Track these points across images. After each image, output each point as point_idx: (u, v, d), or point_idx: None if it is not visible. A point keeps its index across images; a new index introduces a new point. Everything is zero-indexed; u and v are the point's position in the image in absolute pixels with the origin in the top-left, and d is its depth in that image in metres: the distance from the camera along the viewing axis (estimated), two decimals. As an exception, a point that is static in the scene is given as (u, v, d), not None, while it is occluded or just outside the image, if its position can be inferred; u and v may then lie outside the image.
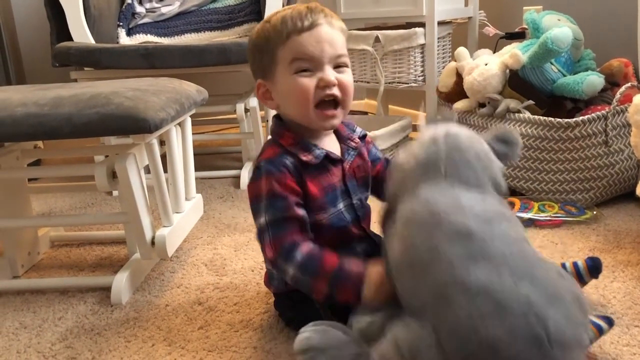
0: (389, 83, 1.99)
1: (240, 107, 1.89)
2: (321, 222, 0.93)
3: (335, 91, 0.91)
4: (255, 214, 0.92)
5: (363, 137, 1.04)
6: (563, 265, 1.01)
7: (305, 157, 0.92)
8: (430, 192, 0.77)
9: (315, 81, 0.90)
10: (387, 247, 0.80)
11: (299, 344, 0.78)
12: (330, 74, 0.90)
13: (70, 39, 1.89)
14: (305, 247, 0.87)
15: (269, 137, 0.99)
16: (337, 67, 0.92)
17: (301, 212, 0.90)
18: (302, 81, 0.90)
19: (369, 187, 1.02)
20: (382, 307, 0.81)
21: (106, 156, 1.56)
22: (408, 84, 1.97)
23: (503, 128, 0.89)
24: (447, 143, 0.81)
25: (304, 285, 0.88)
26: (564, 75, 1.57)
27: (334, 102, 0.92)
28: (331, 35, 0.91)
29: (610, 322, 0.86)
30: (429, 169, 0.80)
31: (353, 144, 1.00)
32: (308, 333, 0.79)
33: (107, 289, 1.17)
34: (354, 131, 1.02)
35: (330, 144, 0.97)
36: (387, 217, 0.84)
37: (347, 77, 0.93)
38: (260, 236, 0.91)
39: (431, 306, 0.70)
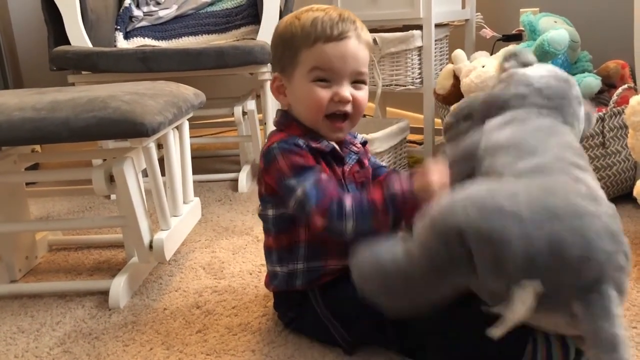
0: (387, 85, 1.99)
1: (238, 110, 1.89)
2: None
3: (348, 108, 0.92)
4: (287, 191, 0.88)
5: (364, 144, 1.04)
6: None
7: (315, 145, 0.92)
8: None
9: (330, 94, 0.90)
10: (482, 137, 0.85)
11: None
12: (346, 90, 0.90)
13: (67, 42, 1.89)
14: (348, 198, 0.86)
15: (274, 128, 0.99)
16: (355, 82, 0.92)
17: (329, 174, 0.91)
18: (318, 91, 0.90)
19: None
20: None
21: (104, 160, 1.56)
22: (405, 86, 1.97)
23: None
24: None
25: (367, 229, 0.84)
26: (561, 77, 1.58)
27: (344, 115, 0.93)
28: (356, 50, 0.90)
29: None
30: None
31: (355, 148, 1.00)
32: (356, 263, 0.81)
33: (105, 293, 1.17)
34: (356, 137, 1.03)
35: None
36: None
37: (362, 94, 0.93)
38: (302, 210, 0.87)
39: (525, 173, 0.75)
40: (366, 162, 1.03)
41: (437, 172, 0.86)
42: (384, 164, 1.08)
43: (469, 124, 0.94)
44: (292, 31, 0.92)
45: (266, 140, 0.97)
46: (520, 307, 0.68)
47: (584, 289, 0.67)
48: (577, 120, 0.91)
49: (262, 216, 1.00)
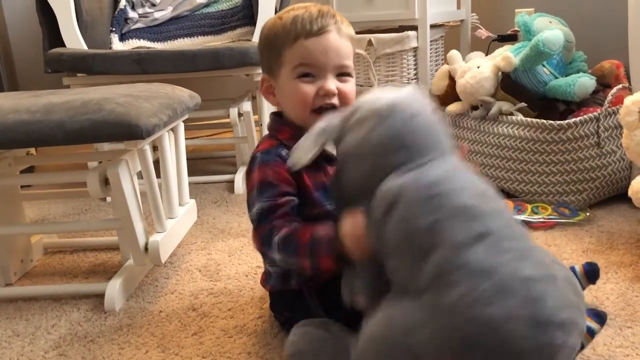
0: (382, 86, 2.00)
1: (233, 111, 1.89)
2: (313, 218, 0.93)
3: (335, 100, 0.92)
4: (249, 204, 0.92)
5: None
6: None
7: None
8: (418, 171, 0.75)
9: (315, 88, 0.91)
10: (383, 233, 0.75)
11: (287, 348, 0.85)
12: (331, 83, 0.91)
13: (62, 44, 1.89)
14: (283, 230, 0.87)
15: (266, 132, 0.99)
16: (341, 75, 0.93)
17: (289, 198, 0.90)
18: (303, 87, 0.91)
19: None
20: (365, 265, 0.80)
21: (99, 162, 1.56)
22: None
23: None
24: (401, 111, 0.78)
25: (291, 265, 0.88)
26: (556, 78, 1.58)
27: (332, 109, 0.93)
28: (338, 43, 0.91)
29: (602, 319, 0.86)
30: (398, 149, 0.77)
31: None
32: (293, 337, 0.85)
33: (100, 296, 1.16)
34: None
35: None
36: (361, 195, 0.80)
37: (348, 86, 0.93)
38: (253, 227, 0.91)
39: (430, 286, 0.69)
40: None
41: (350, 223, 0.82)
42: None
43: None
44: (275, 32, 0.93)
45: (257, 144, 0.98)
46: None
47: None
48: None
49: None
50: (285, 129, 0.95)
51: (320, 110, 0.92)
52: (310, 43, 0.90)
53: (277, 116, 0.99)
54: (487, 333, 0.65)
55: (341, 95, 0.92)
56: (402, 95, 0.80)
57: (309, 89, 0.91)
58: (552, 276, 0.69)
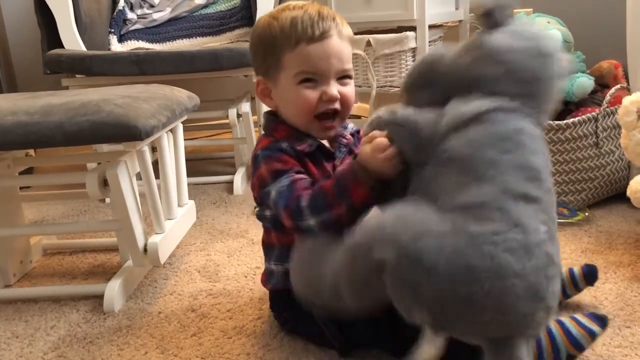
0: (381, 87, 2.00)
1: (232, 112, 1.89)
2: None
3: (337, 105, 0.92)
4: (266, 196, 0.91)
5: (356, 133, 1.04)
6: None
7: (300, 146, 0.93)
8: (517, 116, 0.76)
9: (318, 94, 0.90)
10: (447, 139, 0.77)
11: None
12: (334, 88, 0.90)
13: (61, 46, 1.89)
14: (305, 194, 0.86)
15: (262, 132, 0.99)
16: (341, 77, 0.92)
17: (304, 175, 0.90)
18: (306, 93, 0.90)
19: None
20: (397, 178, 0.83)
21: (98, 163, 1.56)
22: (399, 87, 1.97)
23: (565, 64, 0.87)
24: (559, 62, 0.80)
25: (328, 222, 0.85)
26: (555, 78, 1.58)
27: (334, 113, 0.93)
28: (340, 48, 0.90)
29: (603, 322, 0.86)
30: (528, 85, 0.78)
31: (344, 140, 1.00)
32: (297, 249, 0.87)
33: (99, 297, 1.16)
34: (346, 128, 1.02)
35: (322, 141, 0.98)
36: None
37: (349, 89, 0.93)
38: (277, 212, 0.89)
39: (466, 208, 0.71)
40: (358, 150, 1.02)
41: (373, 143, 0.82)
42: None
43: (427, 97, 0.84)
44: (272, 33, 0.91)
45: (255, 145, 0.97)
46: (429, 348, 0.73)
47: (494, 340, 0.70)
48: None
49: (260, 216, 1.00)
50: (282, 128, 0.95)
51: (322, 115, 0.92)
52: (312, 49, 0.88)
53: (272, 115, 0.98)
54: (492, 276, 0.67)
55: (343, 99, 0.92)
56: (561, 55, 0.81)
57: (312, 94, 0.90)
58: (559, 266, 0.74)
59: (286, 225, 0.89)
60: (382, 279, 0.72)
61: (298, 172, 0.90)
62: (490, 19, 0.79)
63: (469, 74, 0.79)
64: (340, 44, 0.90)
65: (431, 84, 0.83)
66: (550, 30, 1.50)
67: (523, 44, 0.78)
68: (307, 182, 0.89)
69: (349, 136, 1.01)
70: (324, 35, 0.88)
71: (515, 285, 0.67)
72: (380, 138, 0.82)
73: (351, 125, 1.04)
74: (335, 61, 0.89)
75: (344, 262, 0.76)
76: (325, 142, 0.98)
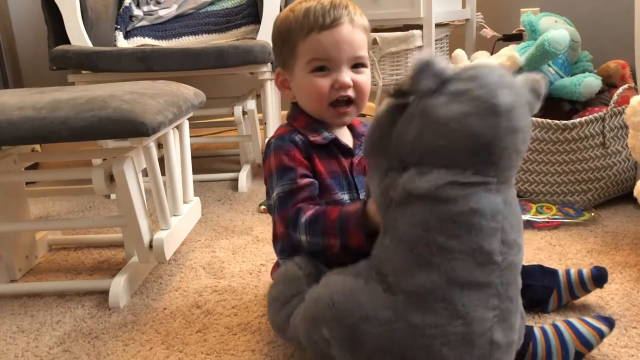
0: (387, 85, 1.99)
1: (238, 109, 1.89)
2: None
3: (350, 92, 0.92)
4: (269, 190, 0.93)
5: None
6: (567, 272, 1.01)
7: (313, 138, 0.93)
8: (474, 190, 0.69)
9: (330, 81, 0.91)
10: (396, 212, 0.73)
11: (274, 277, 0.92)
12: (346, 75, 0.91)
13: (67, 42, 1.89)
14: (309, 211, 0.87)
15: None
16: (355, 66, 0.92)
17: (309, 180, 0.91)
18: (318, 81, 0.91)
19: None
20: None
21: (104, 159, 1.56)
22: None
23: (538, 77, 0.75)
24: (510, 121, 0.69)
25: (318, 246, 0.87)
26: (561, 77, 1.58)
27: (348, 101, 0.93)
28: (351, 35, 0.90)
29: (611, 323, 0.86)
30: (480, 152, 0.69)
31: None
32: (282, 267, 0.91)
33: (105, 293, 1.17)
34: (367, 126, 1.02)
35: (343, 136, 0.98)
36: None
37: (363, 77, 0.93)
38: (274, 211, 0.91)
39: (407, 293, 0.71)
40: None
41: None
42: None
43: (385, 163, 0.77)
44: (288, 25, 0.93)
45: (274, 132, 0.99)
46: None
47: None
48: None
49: (269, 207, 1.00)
50: (301, 117, 0.96)
51: (336, 102, 0.92)
52: (323, 37, 0.89)
53: (295, 105, 0.99)
54: None
55: (356, 87, 0.92)
56: (521, 103, 0.71)
57: (324, 82, 0.91)
58: (511, 347, 0.73)
59: (279, 228, 0.92)
60: (328, 351, 0.76)
61: (303, 176, 0.90)
62: (420, 88, 0.70)
63: (416, 147, 0.72)
64: (352, 32, 0.90)
65: (386, 151, 0.76)
66: (558, 29, 1.49)
67: (474, 105, 0.68)
68: (310, 190, 0.90)
69: None
70: (334, 23, 0.89)
71: None
72: None
73: None
74: (346, 48, 0.90)
75: (301, 327, 0.81)
76: (344, 138, 0.97)
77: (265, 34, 1.91)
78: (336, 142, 0.96)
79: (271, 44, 1.01)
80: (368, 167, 0.82)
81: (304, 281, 0.86)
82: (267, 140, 0.97)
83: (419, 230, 0.70)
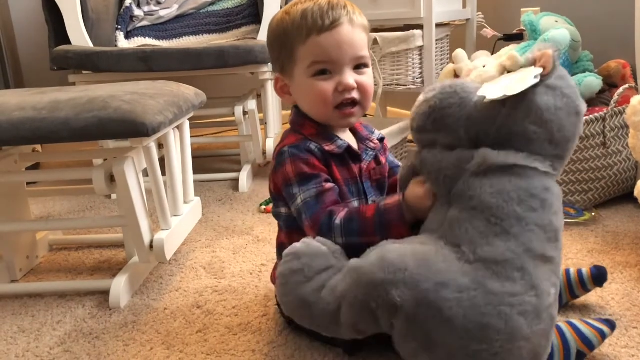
0: (387, 85, 1.99)
1: (238, 109, 1.89)
2: None
3: (355, 94, 0.90)
4: (290, 198, 0.90)
5: (382, 140, 1.03)
6: (567, 272, 1.01)
7: (328, 147, 0.92)
8: (546, 177, 0.77)
9: (334, 84, 0.89)
10: (472, 182, 0.77)
11: (287, 249, 0.86)
12: (349, 77, 0.89)
13: (68, 42, 1.89)
14: (342, 212, 0.86)
15: (289, 127, 0.98)
16: (357, 67, 0.91)
17: (332, 184, 0.90)
18: (321, 85, 0.89)
19: (384, 191, 1.01)
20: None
21: (105, 159, 1.56)
22: (406, 86, 1.97)
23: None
24: (580, 123, 0.79)
25: (356, 245, 0.85)
26: (562, 77, 1.57)
27: (352, 103, 0.92)
28: (352, 35, 0.88)
29: (612, 325, 0.86)
30: (560, 148, 0.78)
31: (372, 144, 0.99)
32: (298, 243, 0.85)
33: (105, 293, 1.17)
34: (373, 132, 1.02)
35: (349, 141, 0.97)
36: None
37: (366, 78, 0.91)
38: (299, 217, 0.90)
39: (484, 260, 0.72)
40: (383, 159, 1.01)
41: (420, 187, 0.83)
42: (397, 162, 1.06)
43: (443, 138, 0.82)
44: (284, 28, 0.90)
45: (280, 139, 0.96)
46: None
47: None
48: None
49: (275, 214, 1.00)
50: (309, 124, 0.94)
51: (341, 105, 0.91)
52: (323, 39, 0.87)
53: (298, 110, 0.97)
54: (504, 338, 0.69)
55: (360, 88, 0.90)
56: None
57: (327, 86, 0.89)
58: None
59: (309, 233, 0.88)
60: (390, 318, 0.74)
61: (326, 181, 0.89)
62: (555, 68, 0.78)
63: (508, 128, 0.77)
64: (352, 32, 0.88)
65: (448, 128, 0.81)
66: (558, 29, 1.49)
67: (564, 102, 0.77)
68: (335, 193, 0.89)
69: (376, 141, 1.00)
70: (334, 24, 0.87)
71: (522, 347, 0.70)
72: (429, 184, 0.82)
73: (377, 132, 1.03)
74: (347, 49, 0.88)
75: (350, 296, 0.77)
76: (351, 143, 0.97)
77: (265, 34, 1.90)
78: (349, 149, 0.94)
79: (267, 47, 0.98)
80: (418, 143, 0.85)
81: (331, 256, 0.83)
82: (277, 147, 0.94)
83: (499, 200, 0.74)
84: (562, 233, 0.77)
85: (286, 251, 0.84)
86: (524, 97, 0.76)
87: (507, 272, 0.71)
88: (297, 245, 0.84)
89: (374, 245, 0.82)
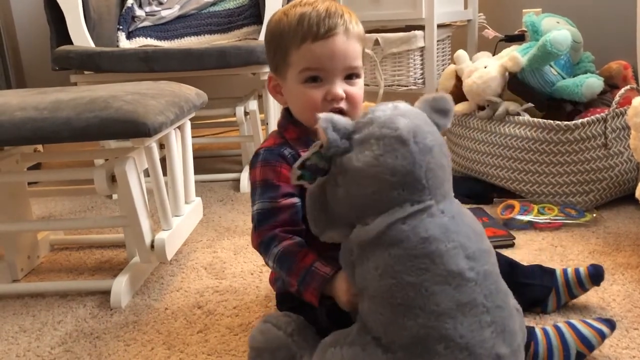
0: (389, 86, 1.99)
1: (239, 110, 1.89)
2: None
3: (342, 104, 0.89)
4: (251, 200, 0.92)
5: None
6: (565, 272, 1.01)
7: (302, 152, 0.91)
8: (418, 219, 0.70)
9: (322, 93, 0.88)
10: (361, 271, 0.73)
11: (249, 341, 0.87)
12: (338, 87, 0.88)
13: (70, 42, 1.90)
14: (285, 242, 0.86)
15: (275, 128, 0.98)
16: (349, 77, 0.90)
17: (293, 200, 0.89)
18: (310, 93, 0.88)
19: None
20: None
21: (106, 160, 1.56)
22: (407, 86, 1.97)
23: (438, 95, 0.77)
24: (418, 143, 0.71)
25: (281, 275, 0.90)
26: (563, 78, 1.58)
27: (340, 113, 0.91)
28: (346, 45, 0.88)
29: (612, 325, 0.86)
30: (407, 182, 0.70)
31: None
32: (254, 331, 0.87)
33: (106, 293, 1.17)
34: None
35: None
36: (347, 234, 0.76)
37: (356, 89, 0.90)
38: (252, 223, 0.91)
39: (407, 347, 0.68)
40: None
41: (346, 288, 0.81)
42: None
43: (337, 234, 0.78)
44: (281, 29, 0.89)
45: (264, 139, 0.97)
46: None
47: None
48: None
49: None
50: (292, 128, 0.94)
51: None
52: (317, 47, 0.86)
53: (287, 112, 0.97)
54: None
55: (349, 98, 0.90)
56: (421, 122, 0.73)
57: (316, 94, 0.88)
58: (519, 351, 0.72)
59: (252, 243, 0.91)
60: None
61: (286, 195, 0.89)
62: (334, 148, 0.72)
63: (350, 204, 0.74)
64: (347, 42, 0.88)
65: (332, 223, 0.77)
66: (559, 30, 1.49)
67: (378, 147, 0.70)
68: (290, 213, 0.89)
69: None
70: (329, 33, 0.86)
71: None
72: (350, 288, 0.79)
73: None
74: (340, 59, 0.87)
75: None
76: None
77: (267, 35, 1.91)
78: None
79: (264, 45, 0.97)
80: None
81: (291, 342, 0.83)
82: (258, 148, 0.95)
83: (388, 280, 0.69)
84: (471, 272, 0.69)
85: (250, 342, 0.87)
86: (344, 170, 0.73)
87: (429, 349, 0.67)
88: (256, 337, 0.86)
89: (294, 288, 0.87)
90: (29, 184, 1.53)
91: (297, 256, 0.85)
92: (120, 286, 1.15)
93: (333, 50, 0.87)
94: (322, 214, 0.77)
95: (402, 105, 0.75)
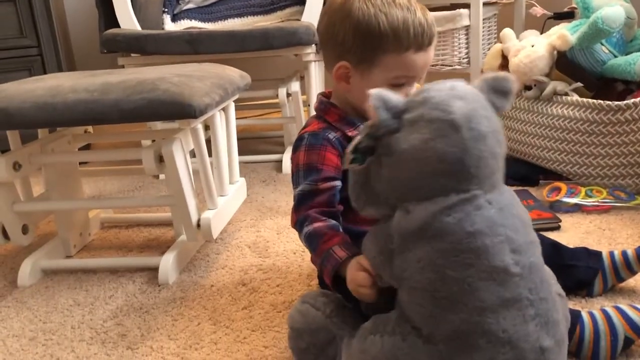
0: (433, 65, 1.96)
1: (282, 91, 1.90)
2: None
3: None
4: (293, 182, 0.94)
5: None
6: (611, 254, 0.99)
7: (350, 133, 0.92)
8: (464, 210, 0.67)
9: (403, 94, 0.87)
10: (401, 262, 0.70)
11: (288, 320, 0.88)
12: (414, 89, 0.89)
13: (117, 25, 1.93)
14: (316, 223, 0.87)
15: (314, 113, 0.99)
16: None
17: (334, 183, 0.90)
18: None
19: None
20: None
21: (153, 140, 1.60)
22: (452, 66, 1.94)
23: (500, 75, 0.72)
24: (472, 129, 0.66)
25: (311, 253, 0.92)
26: (615, 56, 1.52)
27: None
28: (432, 53, 0.90)
29: None
30: (455, 171, 0.67)
31: None
32: (293, 311, 0.87)
33: (154, 270, 1.21)
34: None
35: None
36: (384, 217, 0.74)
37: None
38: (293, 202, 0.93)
39: (448, 340, 0.67)
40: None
41: (354, 275, 0.79)
42: None
43: (377, 212, 0.76)
44: (381, 29, 0.85)
45: (304, 125, 0.97)
46: None
47: None
48: None
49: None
50: (334, 111, 0.95)
51: None
52: (418, 57, 0.86)
53: (324, 97, 0.98)
54: None
55: None
56: (478, 106, 0.69)
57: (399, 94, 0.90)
58: (562, 341, 0.70)
59: (291, 220, 0.93)
60: None
61: (326, 179, 0.90)
62: (384, 127, 0.69)
63: (393, 188, 0.71)
64: (433, 50, 0.90)
65: (374, 201, 0.75)
66: (612, 6, 1.44)
67: (429, 130, 0.67)
68: (328, 195, 0.89)
69: None
70: (429, 45, 0.87)
71: None
72: (364, 274, 0.78)
73: None
74: (427, 68, 0.90)
75: None
76: None
77: (309, 16, 1.90)
78: None
79: (320, 25, 0.95)
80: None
81: (330, 323, 0.83)
82: (299, 132, 0.95)
83: (430, 274, 0.67)
84: (516, 267, 0.66)
85: (289, 322, 0.88)
86: (390, 151, 0.69)
87: (470, 343, 0.65)
88: (296, 318, 0.86)
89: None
90: (80, 164, 1.58)
91: (323, 237, 0.86)
92: (167, 263, 1.19)
93: (427, 61, 0.89)
94: (363, 191, 0.76)
95: (460, 85, 0.70)
